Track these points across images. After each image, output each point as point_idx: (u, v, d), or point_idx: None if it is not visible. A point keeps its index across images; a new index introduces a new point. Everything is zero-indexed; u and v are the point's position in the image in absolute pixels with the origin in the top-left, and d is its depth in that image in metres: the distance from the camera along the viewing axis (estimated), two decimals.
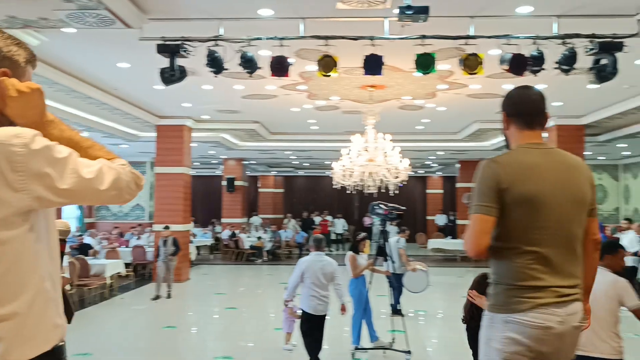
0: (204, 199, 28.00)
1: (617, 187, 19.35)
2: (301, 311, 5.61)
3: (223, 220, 19.89)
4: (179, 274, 12.23)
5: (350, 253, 6.77)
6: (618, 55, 5.59)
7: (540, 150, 2.32)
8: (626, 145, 14.73)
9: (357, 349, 6.34)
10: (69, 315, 1.63)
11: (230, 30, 5.88)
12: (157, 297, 10.10)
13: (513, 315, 2.19)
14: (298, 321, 6.59)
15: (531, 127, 2.36)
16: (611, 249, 3.98)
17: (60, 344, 1.45)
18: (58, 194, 1.37)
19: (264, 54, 6.40)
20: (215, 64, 5.75)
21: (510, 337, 2.20)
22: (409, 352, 6.18)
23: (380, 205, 6.44)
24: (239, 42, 5.76)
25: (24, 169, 1.32)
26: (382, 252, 6.71)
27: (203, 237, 18.49)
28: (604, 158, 18.44)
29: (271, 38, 5.66)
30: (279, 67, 5.69)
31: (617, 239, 10.21)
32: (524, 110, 2.37)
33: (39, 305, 1.38)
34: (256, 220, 20.57)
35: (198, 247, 17.30)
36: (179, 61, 5.97)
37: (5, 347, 1.30)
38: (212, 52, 5.74)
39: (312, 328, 5.51)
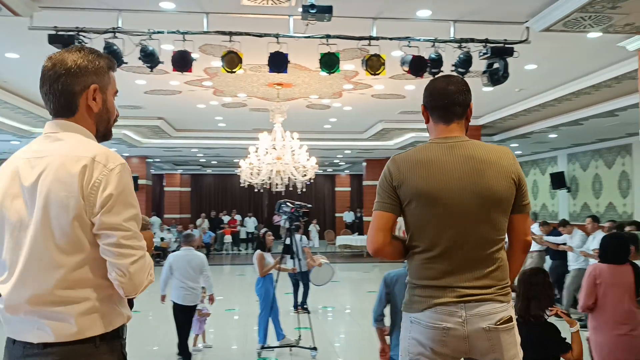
0: None
1: None
2: (172, 303, 6.07)
3: None
4: None
5: (258, 252, 6.71)
6: (509, 60, 5.95)
7: (444, 145, 2.18)
8: (518, 145, 15.74)
9: (263, 347, 6.31)
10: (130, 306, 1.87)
11: (129, 22, 5.64)
12: None
13: (415, 315, 2.15)
14: (208, 322, 6.53)
15: (446, 120, 2.22)
16: None
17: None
18: None
19: (166, 48, 6.20)
20: (113, 57, 5.48)
21: (413, 338, 2.14)
22: (314, 348, 6.24)
23: (287, 203, 6.45)
24: (139, 35, 5.53)
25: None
26: (288, 250, 6.72)
27: None
28: None
29: (173, 32, 5.49)
30: (181, 62, 5.52)
31: None
32: (437, 103, 2.23)
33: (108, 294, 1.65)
34: (156, 220, 19.94)
35: None
36: None
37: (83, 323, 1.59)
38: (109, 44, 5.47)
39: (184, 318, 6.04)
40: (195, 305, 6.15)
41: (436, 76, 2.33)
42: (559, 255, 9.08)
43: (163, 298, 6.29)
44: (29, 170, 1.62)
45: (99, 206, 1.56)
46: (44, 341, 1.56)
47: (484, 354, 2.09)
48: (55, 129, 1.70)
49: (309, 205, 6.56)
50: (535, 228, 9.71)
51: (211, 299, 6.34)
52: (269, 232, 7.10)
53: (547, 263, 9.65)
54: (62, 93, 1.70)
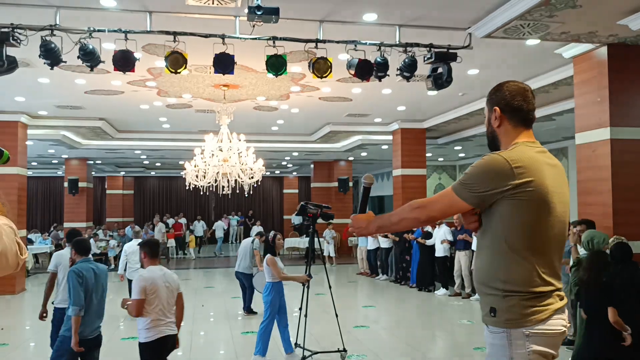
0: (44, 202, 25.82)
1: None
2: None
3: (65, 224, 18.40)
4: (12, 284, 11.08)
5: (269, 256, 6.29)
6: (453, 64, 6.08)
7: (537, 149, 2.21)
8: (461, 147, 16.13)
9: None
10: None
11: (68, 20, 5.43)
12: None
13: (534, 327, 2.06)
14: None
15: (527, 124, 2.28)
16: None
17: None
18: None
19: (108, 47, 6.01)
20: (50, 55, 5.26)
21: (536, 351, 2.05)
22: (344, 350, 6.21)
23: (309, 205, 6.33)
24: (79, 33, 5.33)
25: None
26: (312, 254, 6.66)
27: (42, 243, 16.90)
28: (443, 159, 20.06)
29: (114, 31, 5.32)
30: (123, 61, 5.35)
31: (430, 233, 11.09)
32: (521, 106, 2.29)
33: None
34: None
35: (36, 255, 15.82)
36: (9, 50, 5.39)
37: None
38: (47, 42, 5.24)
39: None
40: None
41: (508, 81, 2.38)
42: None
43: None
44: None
45: None
46: None
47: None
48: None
49: (329, 207, 6.51)
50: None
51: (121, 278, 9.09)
52: (279, 236, 6.69)
53: None
54: None
